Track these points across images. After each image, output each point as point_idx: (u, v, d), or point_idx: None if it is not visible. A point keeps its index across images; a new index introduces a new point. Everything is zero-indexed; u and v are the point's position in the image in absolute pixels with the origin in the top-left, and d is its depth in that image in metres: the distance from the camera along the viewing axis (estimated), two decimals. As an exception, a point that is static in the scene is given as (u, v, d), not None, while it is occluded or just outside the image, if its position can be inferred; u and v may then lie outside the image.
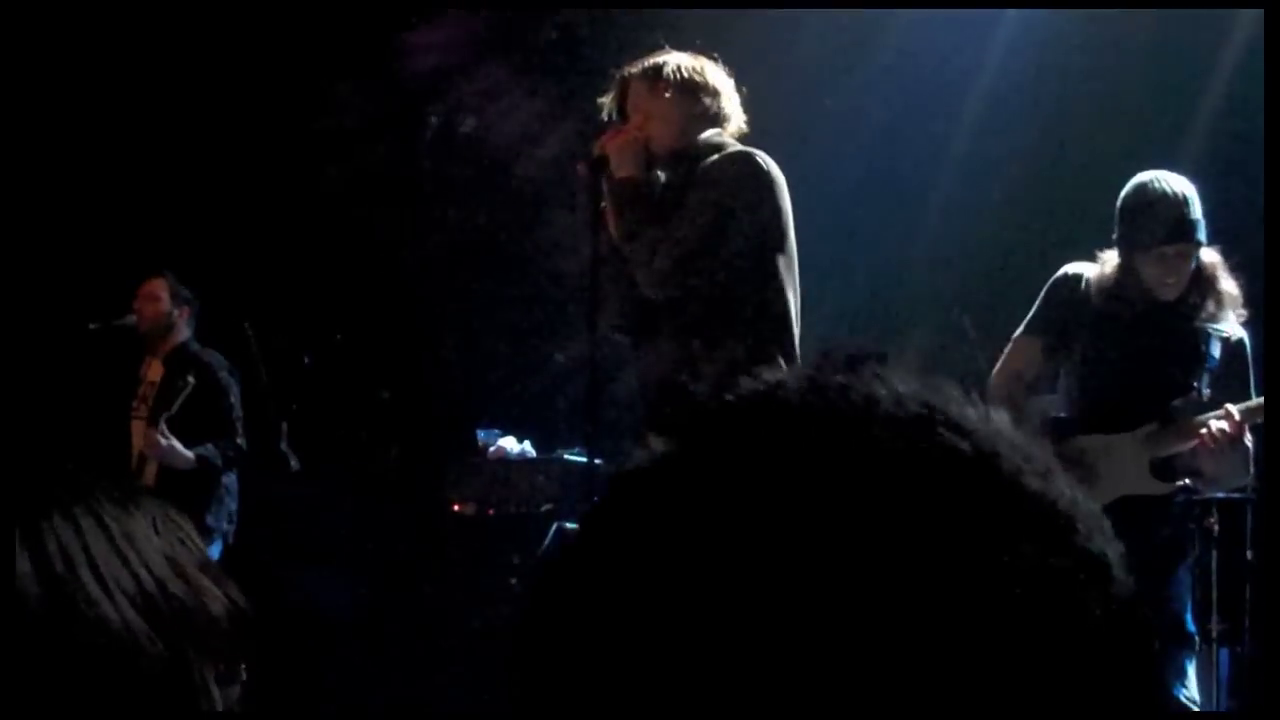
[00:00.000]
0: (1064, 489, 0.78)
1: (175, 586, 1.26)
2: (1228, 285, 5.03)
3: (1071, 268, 5.23)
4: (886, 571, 0.72)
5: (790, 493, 0.74)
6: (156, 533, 1.28)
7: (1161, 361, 5.06)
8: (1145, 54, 7.95)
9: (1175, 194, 4.95)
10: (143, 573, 1.25)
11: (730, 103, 4.74)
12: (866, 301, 8.19)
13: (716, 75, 4.76)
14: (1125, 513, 4.93)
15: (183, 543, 1.30)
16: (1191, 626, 5.00)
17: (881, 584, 0.71)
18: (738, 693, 0.72)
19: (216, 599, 1.27)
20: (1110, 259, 5.11)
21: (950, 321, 7.75)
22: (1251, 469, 5.01)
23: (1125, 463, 5.04)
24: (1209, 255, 5.02)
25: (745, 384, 0.81)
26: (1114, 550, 0.78)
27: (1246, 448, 4.89)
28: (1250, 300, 5.09)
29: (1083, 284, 5.15)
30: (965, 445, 0.76)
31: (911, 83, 8.34)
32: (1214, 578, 6.28)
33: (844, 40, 8.38)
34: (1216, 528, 6.31)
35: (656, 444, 0.81)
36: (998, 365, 5.35)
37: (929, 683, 0.71)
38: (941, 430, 0.76)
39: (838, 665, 0.71)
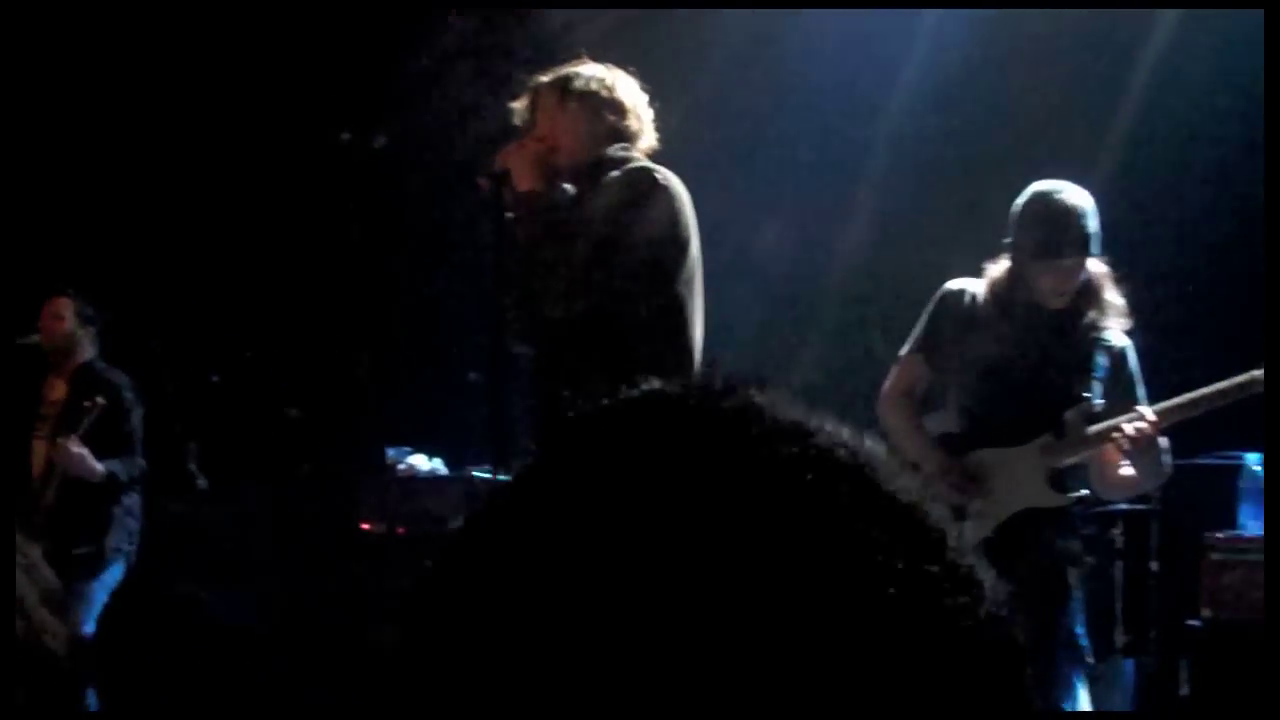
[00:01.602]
0: (936, 509, 0.78)
1: (15, 625, 1.22)
2: (1112, 295, 5.06)
3: (954, 283, 5.25)
4: (759, 577, 0.71)
5: (662, 498, 0.73)
6: (-1, 565, 1.25)
7: (1051, 371, 5.07)
8: (1061, 62, 8.01)
9: (1076, 208, 4.96)
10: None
11: (639, 120, 4.71)
12: (773, 317, 8.20)
13: (628, 91, 4.72)
14: (1023, 525, 4.96)
15: (25, 572, 1.27)
16: (1084, 641, 4.96)
17: (754, 587, 0.71)
18: (603, 697, 0.71)
19: (57, 632, 1.24)
20: (1000, 266, 5.13)
21: (859, 339, 7.79)
22: (1167, 471, 5.03)
23: (1022, 475, 5.05)
24: (1096, 266, 5.04)
25: (620, 394, 0.81)
26: (984, 571, 0.78)
27: (1161, 449, 4.90)
28: (1137, 309, 5.15)
29: (966, 298, 5.17)
30: (842, 452, 0.76)
31: (823, 88, 8.37)
32: (1118, 590, 6.34)
33: (752, 47, 8.41)
34: (1121, 539, 6.38)
35: (530, 457, 0.81)
36: (886, 384, 5.34)
37: (796, 684, 0.70)
38: (818, 438, 0.76)
39: (705, 666, 0.70)
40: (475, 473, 7.84)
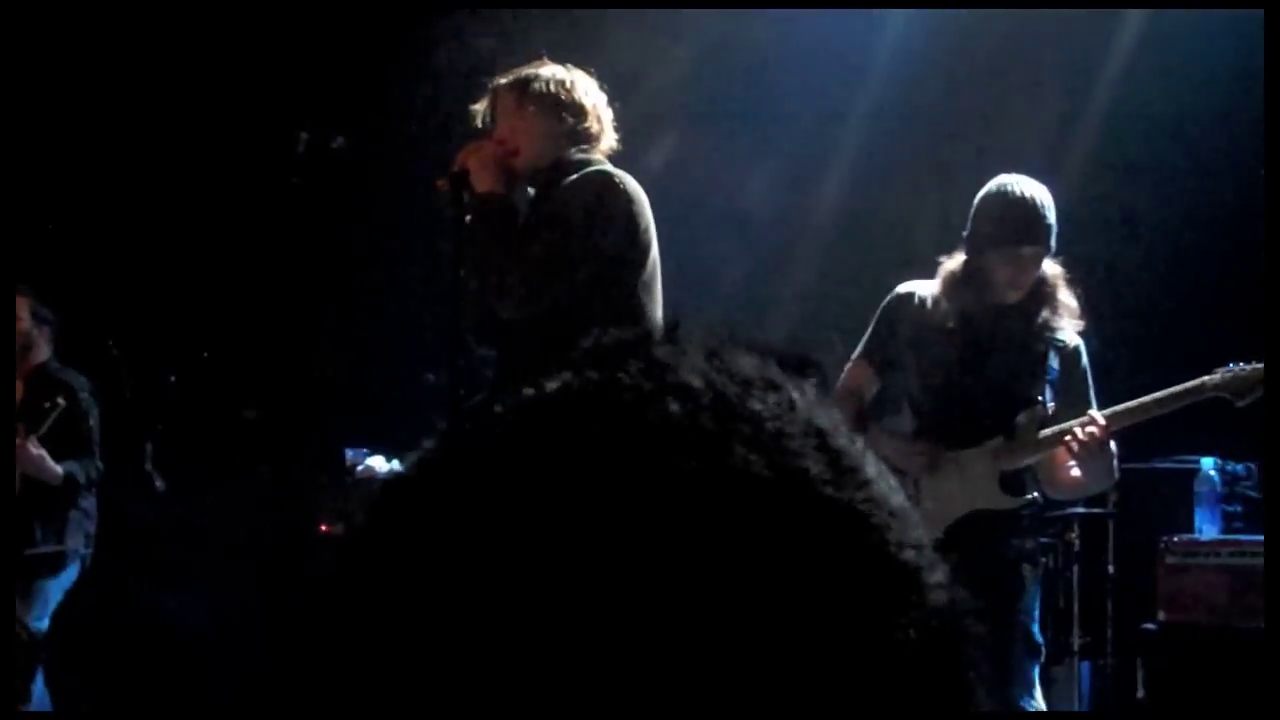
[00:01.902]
0: (877, 492, 0.73)
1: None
2: (1065, 296, 5.07)
3: (903, 287, 5.28)
4: (663, 592, 0.67)
5: (547, 513, 0.69)
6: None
7: (1004, 370, 5.09)
8: (1027, 62, 8.04)
9: (1033, 197, 4.99)
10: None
11: (598, 122, 4.68)
12: (733, 317, 8.20)
13: (586, 92, 4.69)
14: (974, 527, 4.97)
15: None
16: (1039, 638, 5.00)
17: (658, 605, 0.67)
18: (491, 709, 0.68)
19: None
20: (956, 260, 5.15)
21: (819, 339, 7.80)
22: (1115, 474, 5.06)
23: (973, 478, 5.07)
24: (1050, 266, 5.07)
25: (524, 389, 0.76)
26: (927, 558, 0.73)
27: (1111, 453, 4.92)
28: (1092, 309, 5.19)
29: (915, 300, 5.20)
30: (761, 462, 0.70)
31: (788, 89, 8.39)
32: (1075, 592, 6.37)
33: (716, 42, 8.42)
34: (1077, 543, 6.41)
35: (424, 451, 0.77)
36: (836, 387, 5.34)
37: (721, 704, 0.67)
38: (736, 446, 0.70)
39: (605, 685, 0.67)
40: (434, 475, 7.81)
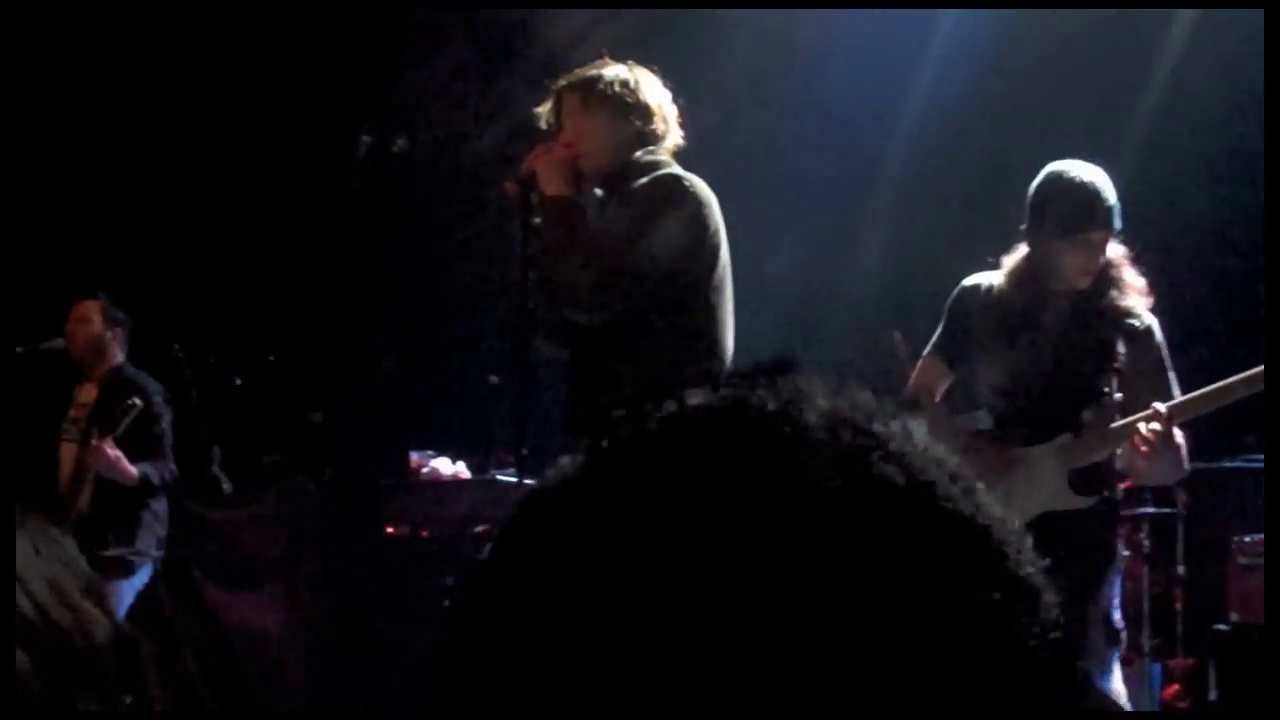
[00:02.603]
0: (992, 512, 0.77)
1: (57, 614, 1.22)
2: (1131, 275, 5.01)
3: (970, 279, 5.24)
4: (808, 612, 0.70)
5: (707, 524, 0.72)
6: (37, 554, 1.24)
7: (1075, 358, 5.01)
8: (1080, 61, 7.99)
9: (1092, 182, 4.94)
10: (23, 601, 1.21)
11: (664, 122, 4.66)
12: (797, 319, 8.19)
13: (651, 92, 4.67)
14: (1047, 527, 4.76)
15: (65, 564, 1.27)
16: (1119, 624, 4.99)
17: (802, 625, 0.70)
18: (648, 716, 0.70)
19: (99, 624, 1.24)
20: (1018, 254, 5.10)
21: (880, 340, 7.77)
22: (1186, 466, 4.96)
23: (1042, 477, 5.00)
24: (1113, 247, 5.00)
25: (667, 405, 0.79)
26: (1039, 570, 0.77)
27: (1178, 445, 4.81)
28: (1157, 291, 5.09)
29: (982, 291, 5.16)
30: (899, 476, 0.74)
31: (846, 90, 8.36)
32: (1145, 592, 6.31)
33: (775, 48, 8.40)
34: (1147, 543, 6.36)
35: (568, 464, 0.79)
36: (908, 385, 5.33)
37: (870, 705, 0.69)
38: (875, 459, 0.74)
39: (751, 702, 0.69)
40: (499, 476, 7.83)
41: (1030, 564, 0.76)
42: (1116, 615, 4.96)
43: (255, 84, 8.83)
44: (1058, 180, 4.99)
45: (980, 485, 0.78)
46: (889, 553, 0.71)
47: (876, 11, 8.21)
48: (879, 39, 8.27)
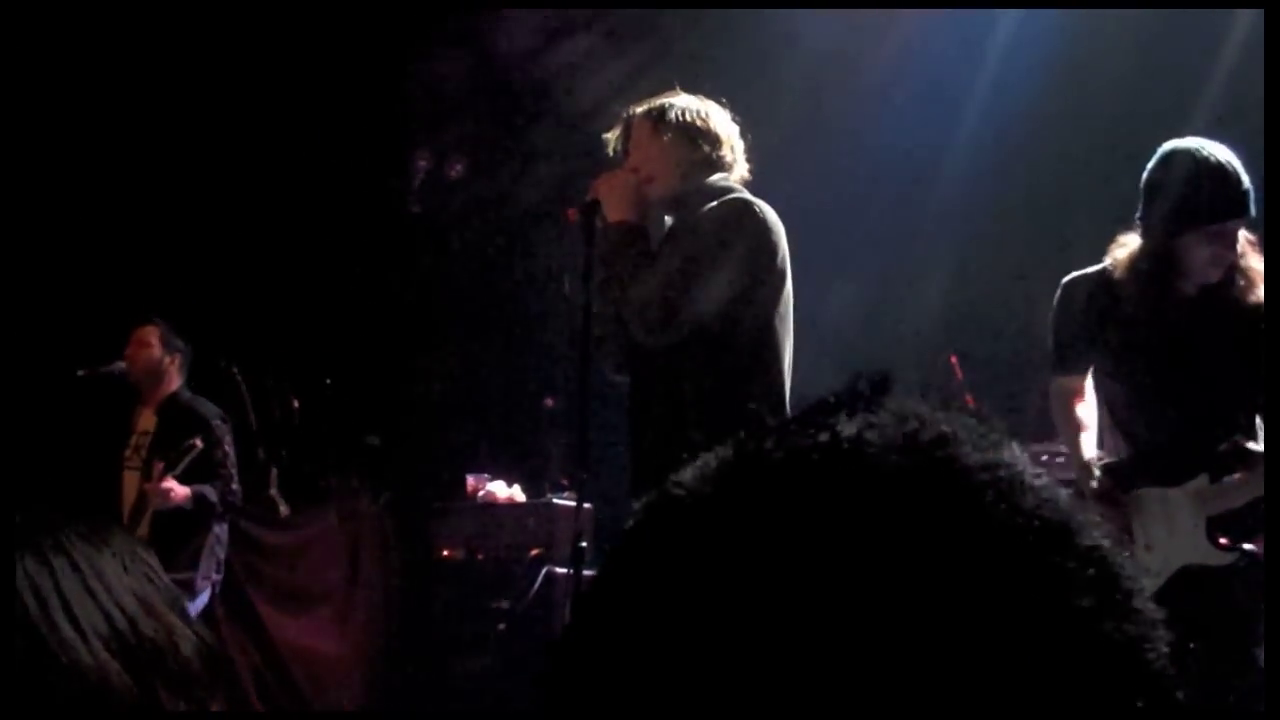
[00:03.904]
0: (1108, 541, 0.78)
1: (146, 625, 1.25)
2: (1255, 262, 4.40)
3: (1072, 277, 4.67)
4: (974, 642, 0.72)
5: (877, 553, 0.73)
6: (126, 570, 1.27)
7: (1209, 376, 4.42)
8: (1138, 66, 7.94)
9: (1229, 163, 4.33)
10: (115, 612, 1.24)
11: (733, 151, 4.69)
12: (855, 338, 8.18)
13: (721, 122, 4.70)
14: (1186, 586, 4.28)
15: (151, 580, 1.30)
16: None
17: (955, 646, 0.71)
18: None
19: (186, 637, 1.26)
20: (1131, 246, 4.52)
21: (938, 361, 7.76)
22: None
23: (1180, 527, 4.40)
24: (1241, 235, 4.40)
25: (820, 431, 0.79)
26: (1154, 604, 0.78)
27: None
28: None
29: (1092, 289, 4.59)
30: (1046, 511, 0.76)
31: (905, 103, 8.36)
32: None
33: (828, 78, 8.41)
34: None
35: (696, 475, 0.80)
36: (1056, 417, 4.77)
37: None
38: (1024, 491, 0.76)
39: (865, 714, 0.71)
40: (555, 499, 7.86)
41: (1147, 599, 0.78)
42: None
43: (315, 110, 8.89)
44: (1188, 162, 4.38)
45: (1103, 526, 0.79)
46: (1043, 586, 0.74)
47: (930, 39, 8.21)
48: (932, 64, 8.28)
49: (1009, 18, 8.17)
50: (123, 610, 1.24)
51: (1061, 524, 0.75)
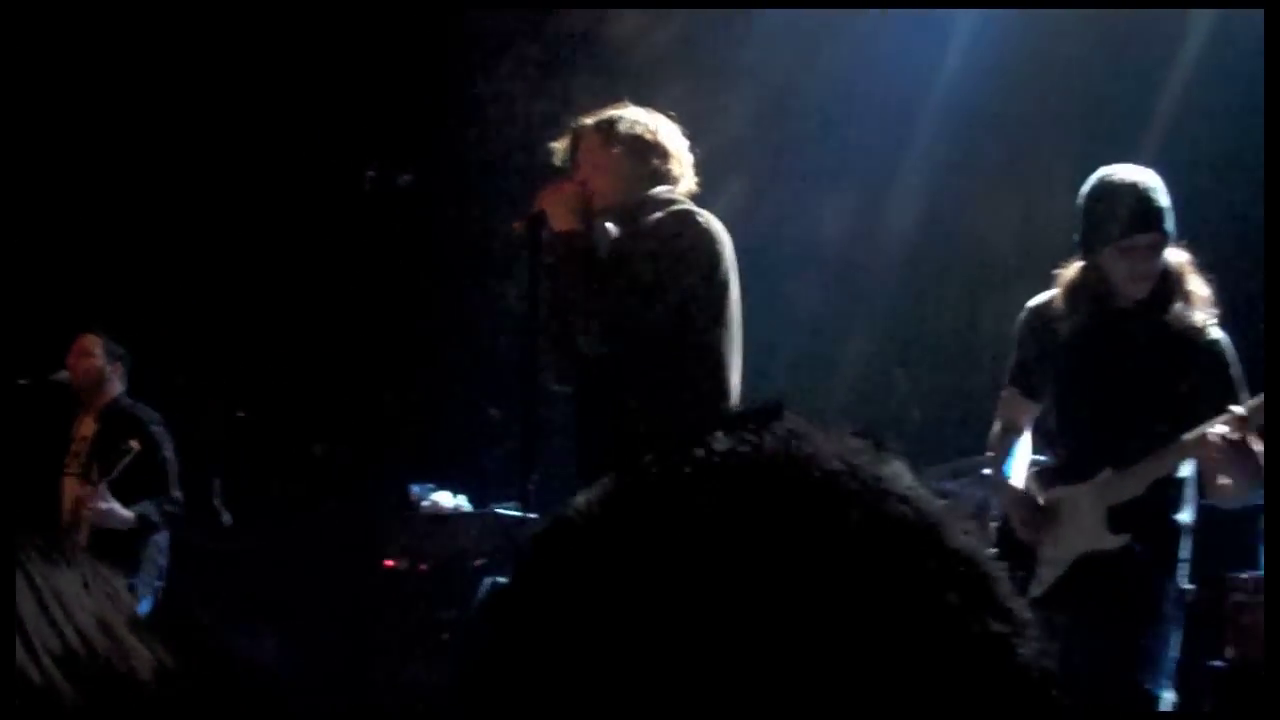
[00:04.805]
0: (980, 547, 0.82)
1: (102, 647, 1.25)
2: (1196, 284, 4.73)
3: (1033, 301, 4.99)
4: (836, 643, 0.75)
5: (744, 563, 0.76)
6: (86, 589, 1.28)
7: (1129, 386, 4.73)
8: (1098, 62, 7.98)
9: (1139, 183, 4.69)
10: (70, 633, 1.24)
11: (680, 165, 4.74)
12: (802, 353, 8.22)
13: (670, 136, 4.76)
14: (1086, 572, 4.68)
15: (112, 600, 1.30)
16: (1155, 687, 4.64)
17: (829, 656, 0.74)
18: None
19: (144, 660, 1.27)
20: (1072, 267, 4.85)
21: (884, 374, 7.81)
22: (1261, 477, 4.52)
23: (1083, 516, 4.78)
24: (1176, 255, 4.74)
25: (695, 449, 0.83)
26: (1023, 605, 0.82)
27: (1255, 452, 4.45)
28: (1220, 301, 4.81)
29: (1044, 312, 4.92)
30: (912, 515, 0.80)
31: (862, 95, 8.40)
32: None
33: (793, 78, 8.45)
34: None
35: (592, 498, 0.84)
36: (995, 421, 5.12)
37: None
38: (892, 501, 0.80)
39: None
40: (499, 510, 7.85)
41: (1016, 599, 0.81)
42: (1160, 687, 4.62)
43: (261, 118, 8.87)
44: (1103, 184, 4.75)
45: (974, 528, 0.83)
46: (910, 586, 0.77)
47: (884, 45, 8.24)
48: (891, 65, 8.31)
49: (968, 18, 8.19)
50: (78, 630, 1.24)
51: (929, 527, 0.79)
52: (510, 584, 0.84)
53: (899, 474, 0.82)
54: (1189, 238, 4.91)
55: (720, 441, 0.82)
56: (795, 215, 8.37)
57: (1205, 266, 4.84)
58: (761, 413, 0.85)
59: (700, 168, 4.80)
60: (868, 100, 8.40)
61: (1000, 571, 0.82)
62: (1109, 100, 7.92)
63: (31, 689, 1.19)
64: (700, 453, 0.82)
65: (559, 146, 4.84)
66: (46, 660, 1.21)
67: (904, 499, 0.80)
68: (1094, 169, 4.91)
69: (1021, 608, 0.81)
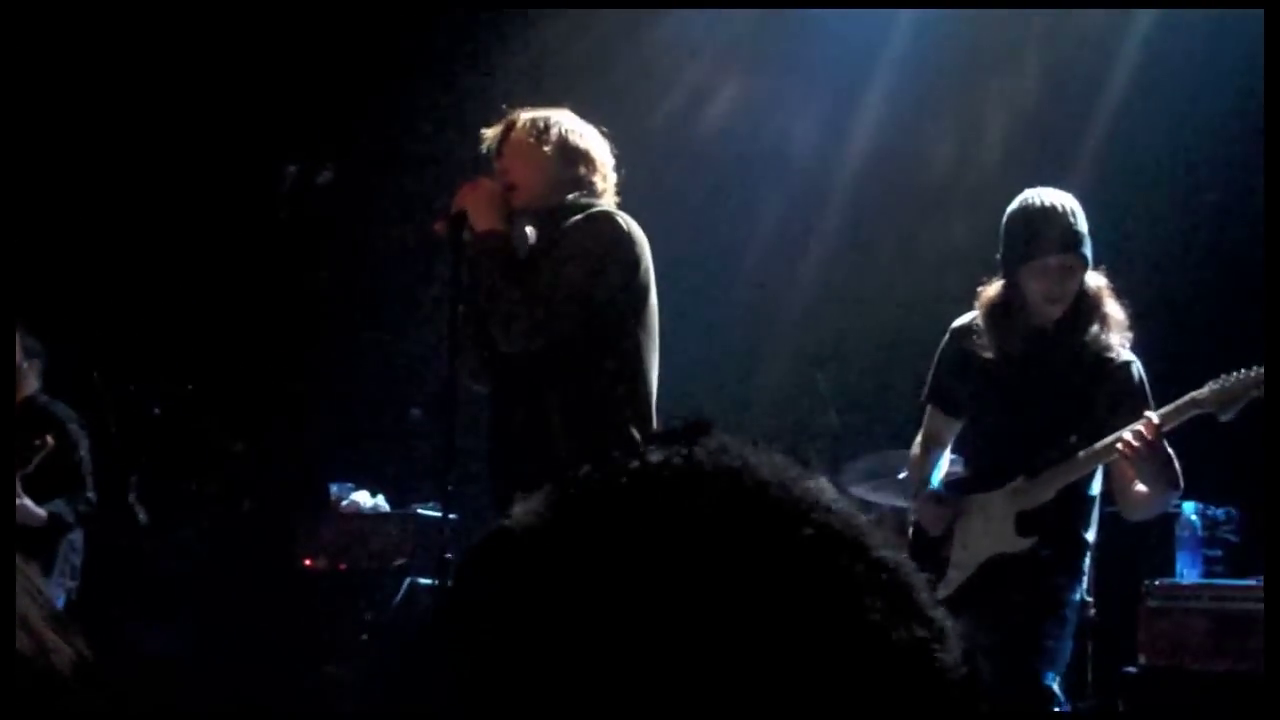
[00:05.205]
0: (904, 559, 0.86)
1: (21, 644, 1.24)
2: (1113, 309, 4.83)
3: (957, 321, 5.10)
4: (772, 645, 0.78)
5: (682, 571, 0.79)
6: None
7: (1042, 402, 4.85)
8: (1037, 65, 8.03)
9: (1056, 206, 4.79)
10: (-19, 627, 1.23)
11: (605, 180, 4.75)
12: (723, 357, 8.25)
13: (600, 150, 4.78)
14: (993, 572, 4.84)
15: (30, 595, 1.29)
16: (1050, 682, 4.73)
17: (757, 651, 0.77)
18: None
19: (63, 654, 1.26)
20: (992, 287, 4.95)
21: (805, 377, 7.85)
22: (1180, 482, 4.68)
23: (994, 520, 4.91)
24: (1094, 279, 4.85)
25: (631, 460, 0.86)
26: (944, 614, 0.86)
27: (1168, 455, 4.58)
28: (1135, 323, 4.92)
29: (964, 334, 5.04)
30: (838, 524, 0.83)
31: (795, 98, 8.44)
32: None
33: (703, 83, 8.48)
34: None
35: (533, 507, 0.85)
36: (919, 435, 5.25)
37: None
38: (819, 512, 0.83)
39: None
40: (420, 510, 7.83)
41: (937, 607, 0.85)
42: (1051, 680, 4.71)
43: (182, 113, 8.80)
44: (1019, 207, 4.86)
45: (895, 544, 0.87)
46: (839, 593, 0.80)
47: (827, 41, 8.28)
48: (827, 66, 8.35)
49: (905, 18, 8.23)
50: (-6, 626, 1.23)
51: (853, 538, 0.83)
52: (451, 592, 0.86)
53: (823, 488, 0.86)
54: (1114, 257, 5.04)
55: (654, 453, 0.85)
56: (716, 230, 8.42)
57: (1126, 289, 4.96)
58: (692, 428, 0.88)
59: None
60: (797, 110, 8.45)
61: (922, 580, 0.85)
62: (1045, 110, 7.98)
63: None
64: (635, 464, 0.85)
65: (489, 133, 4.82)
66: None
67: (829, 509, 0.83)
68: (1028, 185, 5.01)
69: (943, 615, 0.84)
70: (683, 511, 0.81)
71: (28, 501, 6.77)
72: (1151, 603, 6.38)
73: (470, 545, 0.87)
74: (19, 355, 7.19)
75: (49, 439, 6.84)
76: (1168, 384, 4.89)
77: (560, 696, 0.77)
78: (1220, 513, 6.76)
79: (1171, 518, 6.62)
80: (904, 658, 0.79)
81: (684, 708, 0.75)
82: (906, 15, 8.13)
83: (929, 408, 5.21)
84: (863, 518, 0.86)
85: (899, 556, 0.84)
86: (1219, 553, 6.68)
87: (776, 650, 0.76)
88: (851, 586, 0.80)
